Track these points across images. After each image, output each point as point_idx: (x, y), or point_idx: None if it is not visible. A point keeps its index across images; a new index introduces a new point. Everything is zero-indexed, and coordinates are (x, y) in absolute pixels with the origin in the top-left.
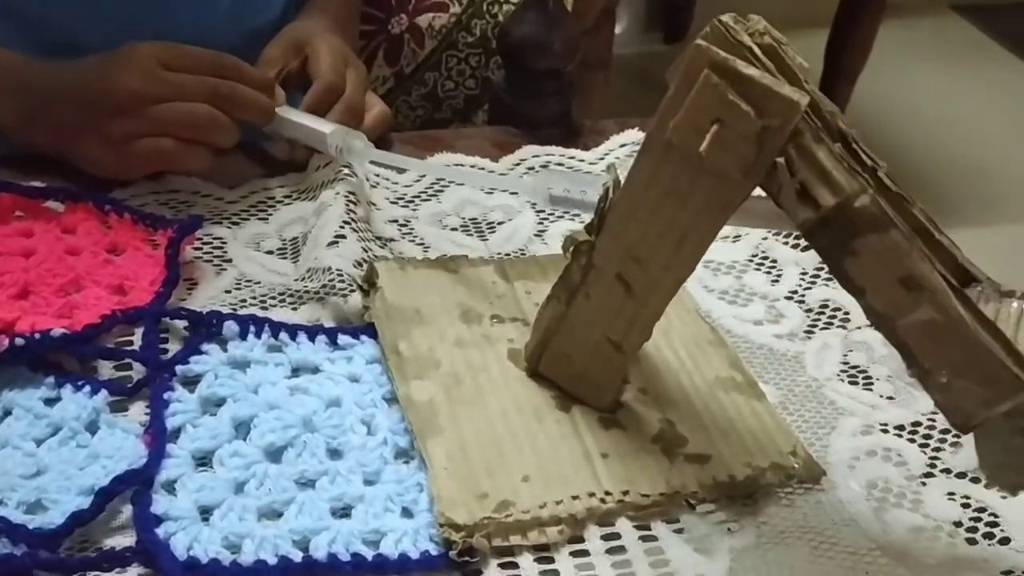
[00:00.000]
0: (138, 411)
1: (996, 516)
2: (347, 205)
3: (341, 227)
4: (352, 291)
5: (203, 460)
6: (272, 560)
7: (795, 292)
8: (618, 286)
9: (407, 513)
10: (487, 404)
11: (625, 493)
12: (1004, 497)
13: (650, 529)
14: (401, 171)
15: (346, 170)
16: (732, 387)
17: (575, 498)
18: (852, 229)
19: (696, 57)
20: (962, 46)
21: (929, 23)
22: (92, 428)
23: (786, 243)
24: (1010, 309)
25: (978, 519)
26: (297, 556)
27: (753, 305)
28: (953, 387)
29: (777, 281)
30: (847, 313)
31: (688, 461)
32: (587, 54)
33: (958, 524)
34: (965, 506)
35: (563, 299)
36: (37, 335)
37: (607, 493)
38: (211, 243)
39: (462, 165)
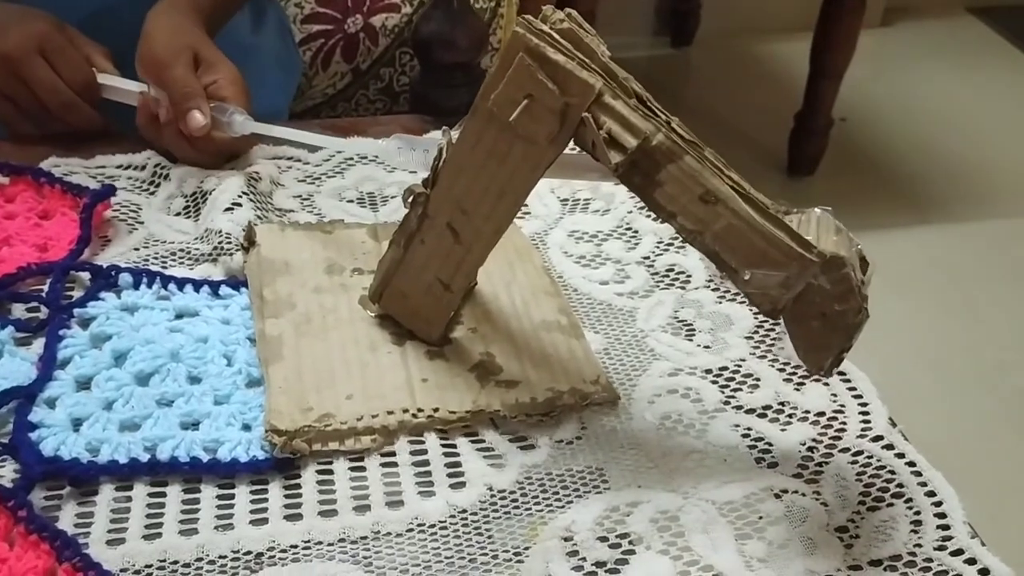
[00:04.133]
0: (39, 346)
1: (771, 445)
2: (248, 180)
3: (239, 197)
4: (238, 250)
5: (85, 384)
6: (123, 460)
7: (647, 258)
8: (448, 233)
9: (246, 427)
10: (329, 338)
11: (435, 410)
12: (783, 430)
13: (455, 446)
14: (313, 150)
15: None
16: (556, 329)
17: (390, 413)
18: (654, 164)
19: (514, 42)
20: (977, 48)
21: (944, 25)
22: None
23: (649, 216)
24: (810, 216)
25: (753, 447)
26: (144, 458)
27: (604, 268)
28: (756, 278)
29: (633, 248)
30: (688, 276)
31: (498, 386)
32: None
33: (734, 449)
34: (745, 436)
35: (401, 244)
36: None
37: (419, 410)
38: (128, 207)
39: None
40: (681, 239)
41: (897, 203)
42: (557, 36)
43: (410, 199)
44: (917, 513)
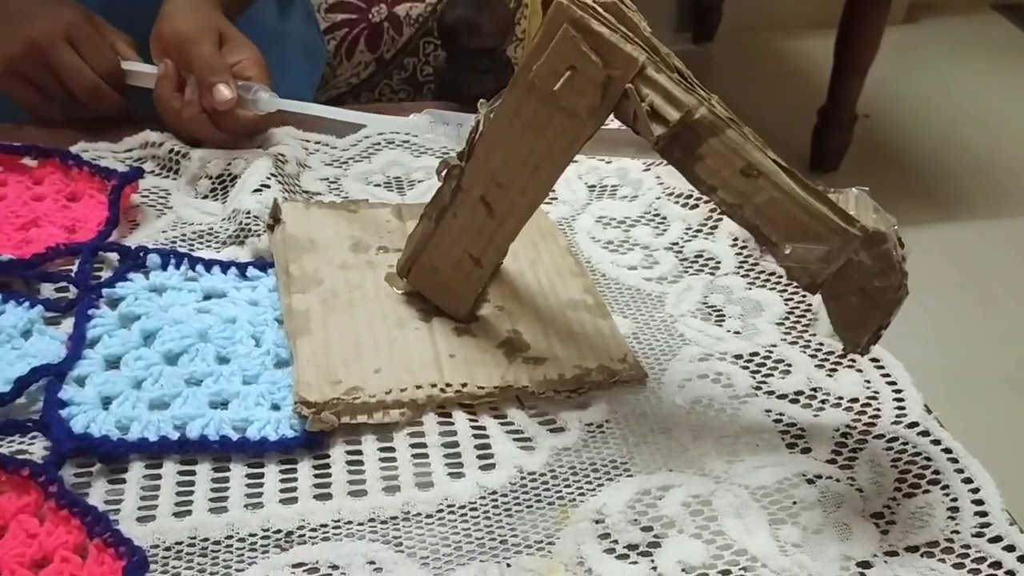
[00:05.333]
0: (68, 325)
1: (803, 431)
2: (276, 160)
3: (267, 179)
4: (265, 231)
5: (114, 363)
6: (153, 438)
7: (675, 244)
8: (481, 207)
9: (275, 407)
10: (356, 313)
11: (464, 385)
12: (816, 416)
13: (484, 428)
14: (342, 134)
15: (284, 137)
16: (582, 308)
17: (418, 387)
18: (696, 137)
19: (558, 13)
20: (1001, 45)
21: (968, 21)
22: (27, 335)
23: (677, 202)
24: (847, 195)
25: (785, 432)
26: (174, 436)
27: (632, 253)
28: (796, 252)
29: (662, 234)
30: (718, 262)
31: (525, 362)
32: None
33: (766, 434)
34: (777, 421)
35: (433, 217)
36: None
37: (447, 384)
38: (156, 192)
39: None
40: (718, 214)
41: (920, 200)
42: (600, 9)
43: (444, 172)
44: (954, 500)
